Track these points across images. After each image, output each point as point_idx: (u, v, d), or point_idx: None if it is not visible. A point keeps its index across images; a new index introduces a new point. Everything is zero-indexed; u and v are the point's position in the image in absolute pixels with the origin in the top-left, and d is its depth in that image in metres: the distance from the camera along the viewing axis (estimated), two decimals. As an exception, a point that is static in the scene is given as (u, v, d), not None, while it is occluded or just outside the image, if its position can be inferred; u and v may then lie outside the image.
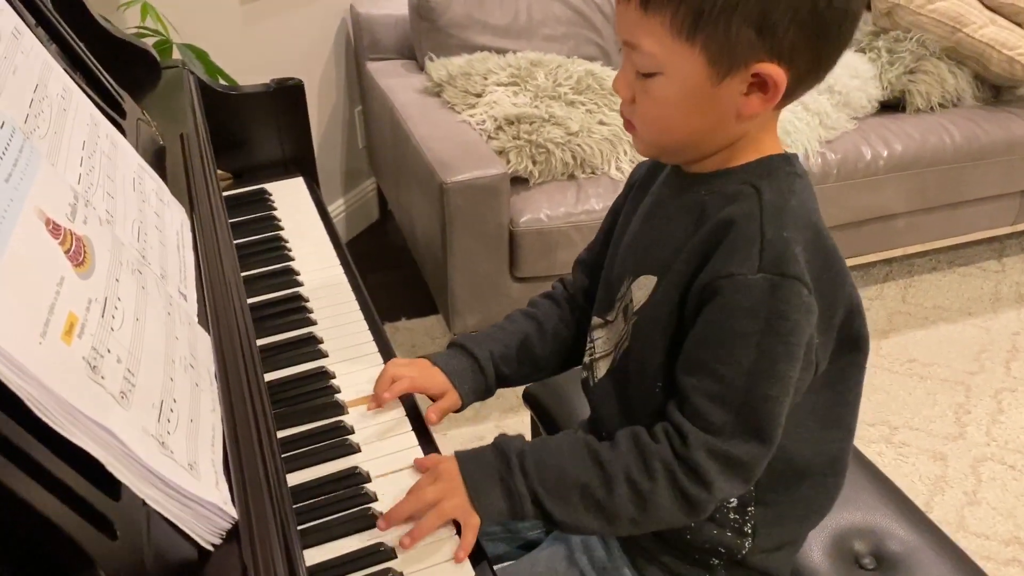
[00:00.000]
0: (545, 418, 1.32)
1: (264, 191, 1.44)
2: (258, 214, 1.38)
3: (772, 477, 0.83)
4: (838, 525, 1.08)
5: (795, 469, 0.88)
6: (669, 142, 0.82)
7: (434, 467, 0.86)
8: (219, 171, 1.42)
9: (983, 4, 2.41)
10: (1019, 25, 2.40)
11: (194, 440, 0.60)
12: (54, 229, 0.58)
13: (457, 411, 1.00)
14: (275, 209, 1.40)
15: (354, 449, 0.93)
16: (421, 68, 2.38)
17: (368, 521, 0.84)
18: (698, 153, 0.83)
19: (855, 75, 2.32)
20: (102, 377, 0.53)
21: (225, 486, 0.59)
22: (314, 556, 0.80)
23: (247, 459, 0.63)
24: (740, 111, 0.77)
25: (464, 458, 0.86)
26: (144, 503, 0.52)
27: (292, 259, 1.26)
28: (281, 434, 0.93)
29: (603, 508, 0.81)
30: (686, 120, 0.79)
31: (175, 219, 0.89)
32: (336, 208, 2.69)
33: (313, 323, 1.13)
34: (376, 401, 0.98)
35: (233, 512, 0.57)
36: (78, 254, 0.59)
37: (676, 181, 0.88)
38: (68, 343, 0.52)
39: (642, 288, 0.86)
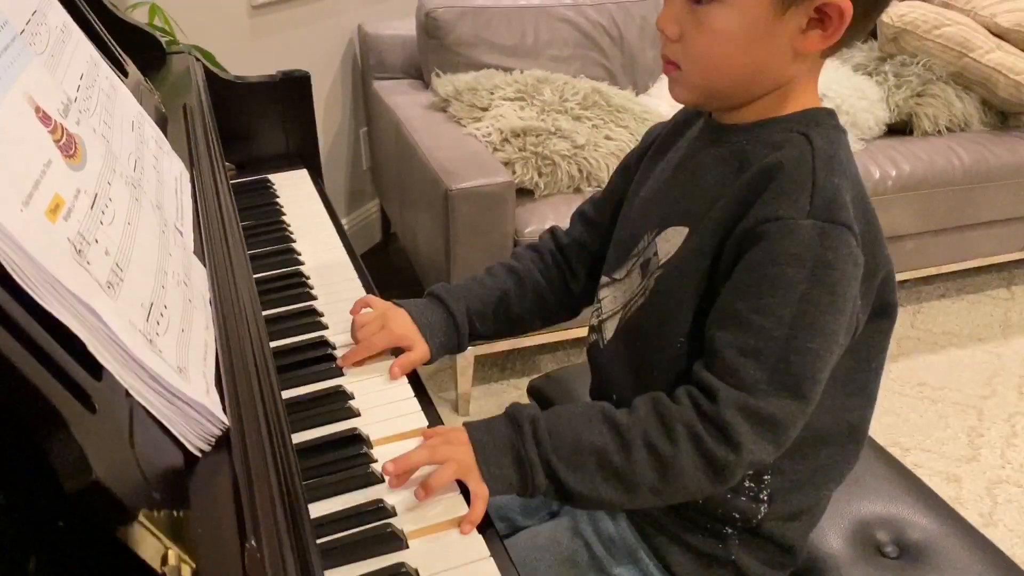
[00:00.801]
0: (550, 412, 1.27)
1: (267, 180, 1.41)
2: (260, 200, 1.35)
3: (790, 444, 0.79)
4: (859, 514, 1.03)
5: (814, 436, 0.83)
6: (718, 82, 0.78)
7: (443, 433, 0.82)
8: (221, 161, 1.39)
9: (989, 30, 2.42)
10: (1025, 51, 2.41)
11: (185, 349, 0.56)
12: (44, 118, 0.55)
13: (426, 364, 0.97)
14: (277, 197, 1.37)
15: (354, 413, 0.88)
16: (427, 86, 2.38)
17: (367, 480, 0.79)
18: (746, 96, 0.79)
19: (863, 96, 2.31)
20: (88, 262, 0.50)
21: (216, 396, 0.55)
22: (313, 511, 0.75)
23: (239, 373, 0.59)
24: (797, 48, 0.74)
25: (474, 426, 0.81)
26: (128, 394, 0.48)
27: (293, 240, 1.23)
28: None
29: (621, 476, 0.76)
30: (741, 55, 0.75)
31: (174, 167, 0.86)
32: (339, 228, 2.66)
33: (313, 298, 1.09)
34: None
35: (224, 417, 0.53)
36: (69, 147, 0.56)
37: (711, 133, 0.84)
38: (52, 221, 0.49)
39: (669, 240, 0.82)
